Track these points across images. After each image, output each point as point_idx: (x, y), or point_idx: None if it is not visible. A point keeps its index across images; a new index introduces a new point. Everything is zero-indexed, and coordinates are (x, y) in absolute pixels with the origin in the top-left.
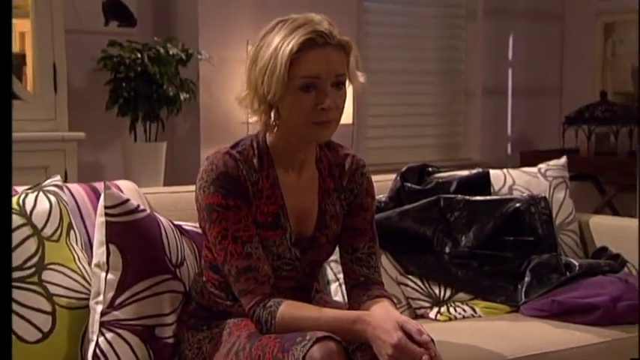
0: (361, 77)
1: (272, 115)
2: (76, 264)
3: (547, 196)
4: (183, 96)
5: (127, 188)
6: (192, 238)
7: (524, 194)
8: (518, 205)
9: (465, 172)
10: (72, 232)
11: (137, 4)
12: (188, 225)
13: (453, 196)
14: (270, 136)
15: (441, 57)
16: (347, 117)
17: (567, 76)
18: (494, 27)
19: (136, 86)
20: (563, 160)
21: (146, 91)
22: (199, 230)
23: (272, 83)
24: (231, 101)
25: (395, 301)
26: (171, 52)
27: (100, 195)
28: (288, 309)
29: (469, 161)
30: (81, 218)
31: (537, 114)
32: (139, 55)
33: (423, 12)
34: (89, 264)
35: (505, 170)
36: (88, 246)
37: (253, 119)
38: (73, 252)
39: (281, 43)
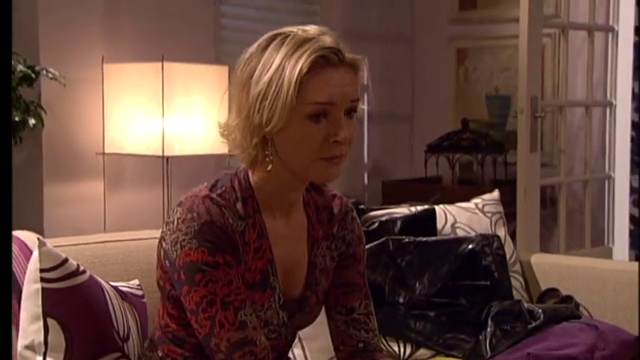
0: (361, 103)
1: (265, 149)
2: None
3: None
4: (31, 122)
5: (30, 242)
6: (132, 303)
7: (472, 234)
8: (471, 246)
9: (404, 210)
10: None
11: None
12: (122, 285)
13: (401, 237)
14: (255, 174)
15: None
16: (222, 146)
17: (419, 103)
18: (351, 49)
19: None
20: (496, 193)
21: None
22: (136, 291)
23: (275, 111)
24: (82, 129)
25: None
26: (19, 69)
27: None
28: None
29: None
30: None
31: (390, 141)
32: None
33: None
34: None
35: (442, 206)
36: None
37: (236, 153)
38: None
39: (285, 62)
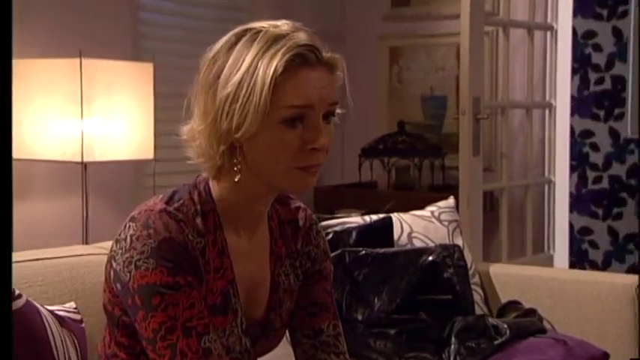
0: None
1: (233, 157)
2: None
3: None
4: None
5: None
6: (71, 329)
7: (430, 244)
8: (432, 257)
9: (358, 219)
10: None
11: None
12: (59, 309)
13: (357, 249)
14: (219, 185)
15: None
16: (147, 151)
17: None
18: None
19: None
20: (452, 200)
21: None
22: (74, 316)
23: (246, 115)
24: None
25: None
26: None
27: None
28: None
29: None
30: None
31: None
32: None
33: (203, 40)
34: None
35: (397, 215)
36: None
37: (199, 162)
38: None
39: (257, 61)
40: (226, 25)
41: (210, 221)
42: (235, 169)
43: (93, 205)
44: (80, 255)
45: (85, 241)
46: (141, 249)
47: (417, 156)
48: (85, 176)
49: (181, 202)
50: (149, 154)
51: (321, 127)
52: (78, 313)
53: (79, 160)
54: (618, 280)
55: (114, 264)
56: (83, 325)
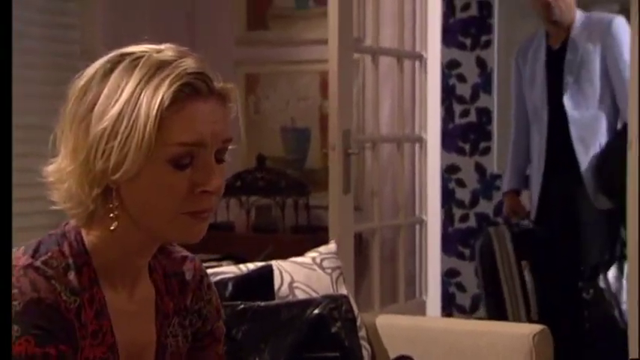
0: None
1: (108, 202)
2: None
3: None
4: None
5: None
6: None
7: (314, 295)
8: (317, 310)
9: (233, 269)
10: None
11: None
12: None
13: (235, 303)
14: (91, 234)
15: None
16: None
17: None
18: None
19: None
20: (333, 245)
21: None
22: None
23: (127, 154)
24: None
25: None
26: None
27: None
28: None
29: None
30: None
31: None
32: None
33: (31, 62)
34: None
35: (276, 263)
36: None
37: (65, 207)
38: None
39: (140, 90)
40: (56, 45)
41: (84, 277)
42: (111, 215)
43: None
44: None
45: None
46: None
47: (279, 194)
48: None
49: (49, 254)
50: None
51: (214, 167)
52: None
53: None
54: (515, 330)
55: None
56: None
